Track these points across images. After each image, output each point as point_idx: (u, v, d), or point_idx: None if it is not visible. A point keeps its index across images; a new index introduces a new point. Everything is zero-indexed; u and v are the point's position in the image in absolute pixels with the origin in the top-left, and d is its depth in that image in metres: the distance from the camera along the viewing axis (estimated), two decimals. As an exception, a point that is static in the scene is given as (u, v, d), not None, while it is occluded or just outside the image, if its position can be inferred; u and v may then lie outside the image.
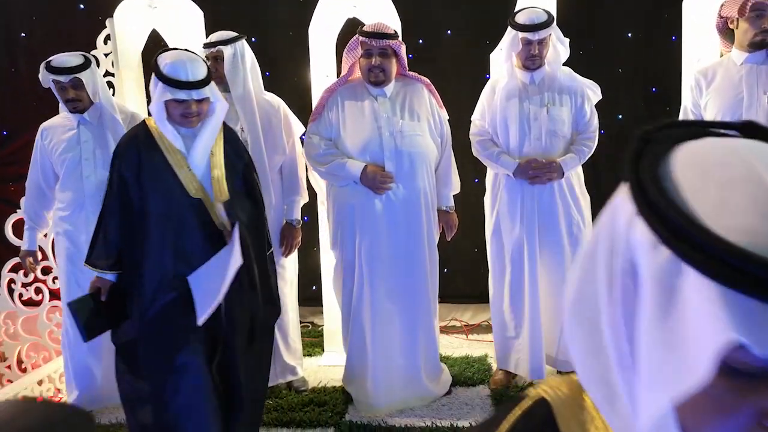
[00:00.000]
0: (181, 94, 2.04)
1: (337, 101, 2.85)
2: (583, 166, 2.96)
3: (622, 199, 0.48)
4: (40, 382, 3.08)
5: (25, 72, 4.02)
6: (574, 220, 2.91)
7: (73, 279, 2.84)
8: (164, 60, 2.08)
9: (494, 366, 3.23)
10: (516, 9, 3.02)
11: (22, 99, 3.95)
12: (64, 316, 2.90)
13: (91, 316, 2.13)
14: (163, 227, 2.09)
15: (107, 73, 3.38)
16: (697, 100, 2.82)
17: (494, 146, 2.95)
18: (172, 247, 2.09)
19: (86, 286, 2.85)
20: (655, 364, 0.42)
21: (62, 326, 2.93)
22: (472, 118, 3.07)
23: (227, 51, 2.84)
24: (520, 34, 2.81)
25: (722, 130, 0.50)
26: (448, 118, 2.97)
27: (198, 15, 3.37)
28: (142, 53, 3.53)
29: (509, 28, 2.87)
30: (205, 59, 2.49)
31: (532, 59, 2.85)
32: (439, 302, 3.05)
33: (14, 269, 3.18)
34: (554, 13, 3.04)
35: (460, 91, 3.40)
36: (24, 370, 3.17)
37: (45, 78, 2.81)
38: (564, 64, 2.96)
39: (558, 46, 2.88)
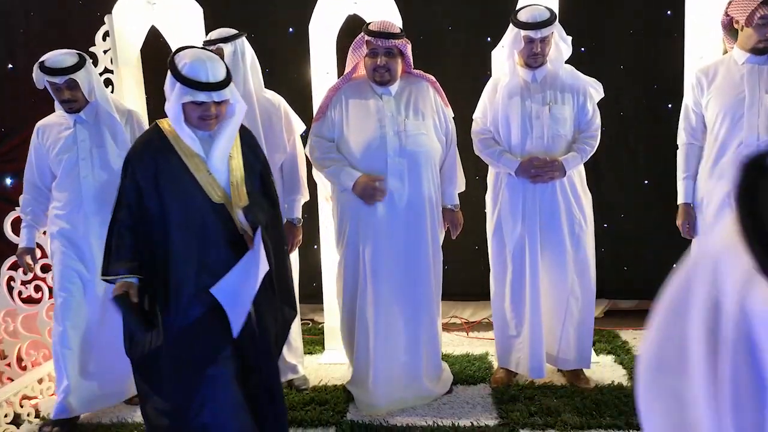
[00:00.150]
0: (202, 96, 1.93)
1: (341, 99, 2.83)
2: (584, 164, 2.95)
3: (725, 243, 0.34)
4: (40, 380, 3.08)
5: (22, 69, 4.00)
6: (575, 219, 2.90)
7: (66, 279, 2.81)
8: (182, 59, 1.96)
9: (495, 364, 3.23)
10: (518, 6, 3.00)
11: (20, 96, 3.93)
12: (55, 311, 2.84)
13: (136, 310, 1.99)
14: (185, 235, 1.99)
15: (106, 70, 3.36)
16: (698, 98, 2.81)
17: (496, 145, 2.94)
18: (196, 257, 1.99)
19: (79, 285, 2.81)
20: None
21: (53, 322, 2.87)
22: (474, 117, 3.05)
23: (227, 49, 2.82)
24: (523, 32, 2.79)
25: None
26: (453, 116, 2.95)
27: (197, 11, 3.35)
28: (141, 50, 3.51)
29: (511, 26, 2.85)
30: None
31: (534, 57, 2.84)
32: (440, 300, 3.05)
33: (13, 267, 3.17)
34: (556, 10, 3.03)
35: (461, 88, 3.38)
36: (24, 368, 3.17)
37: (39, 79, 2.75)
38: (566, 62, 2.95)
39: (560, 44, 2.87)
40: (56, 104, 2.85)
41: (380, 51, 2.73)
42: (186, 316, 1.99)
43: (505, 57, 2.93)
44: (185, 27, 3.33)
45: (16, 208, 3.03)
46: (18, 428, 2.85)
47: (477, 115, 3.04)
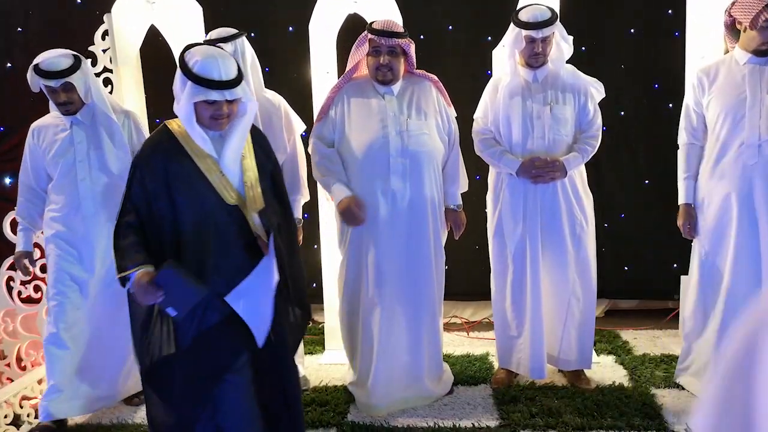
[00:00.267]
0: (214, 95, 1.87)
1: (342, 99, 2.82)
2: (585, 164, 2.94)
3: None
4: (40, 381, 3.06)
5: (21, 68, 3.95)
6: (576, 219, 2.90)
7: (60, 283, 2.77)
8: (193, 57, 1.88)
9: (496, 364, 3.22)
10: (519, 6, 2.99)
11: (19, 95, 3.90)
12: (49, 314, 2.81)
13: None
14: (197, 239, 1.91)
15: (105, 69, 3.35)
16: (699, 98, 2.80)
17: (497, 145, 2.93)
18: (209, 260, 1.92)
19: (75, 288, 2.76)
20: None
21: (46, 325, 2.82)
22: (475, 116, 3.04)
23: (227, 48, 2.79)
24: (524, 32, 2.78)
25: None
26: (456, 115, 2.95)
27: (197, 10, 3.34)
28: (141, 49, 3.50)
29: (512, 25, 2.84)
30: None
31: (535, 57, 2.83)
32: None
33: (13, 267, 3.15)
34: (557, 9, 3.02)
35: (461, 88, 3.37)
36: (23, 368, 3.16)
37: (34, 82, 2.69)
38: (566, 62, 2.94)
39: (561, 44, 2.86)
40: (51, 104, 2.81)
41: (383, 49, 2.72)
42: (200, 323, 1.93)
43: (506, 57, 2.92)
44: (185, 26, 3.31)
45: (16, 207, 3.02)
46: (18, 429, 2.84)
47: (478, 115, 3.03)
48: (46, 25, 4.02)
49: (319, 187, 3.29)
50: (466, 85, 3.44)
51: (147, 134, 2.96)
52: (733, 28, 2.75)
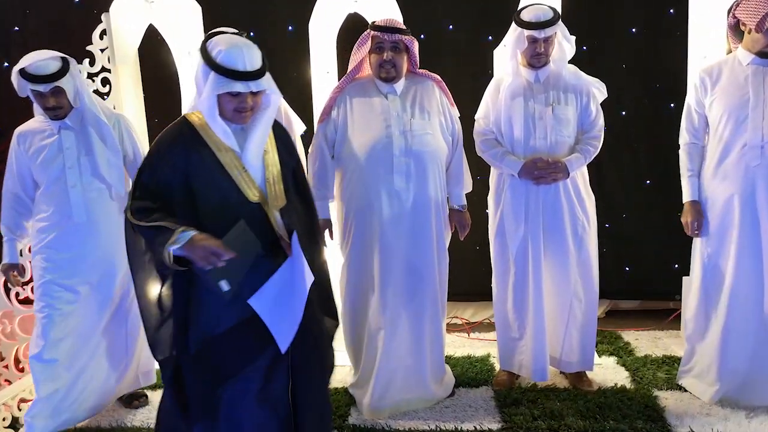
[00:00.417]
0: (239, 86, 1.78)
1: (345, 99, 2.80)
2: (587, 165, 2.93)
3: None
4: (38, 383, 3.04)
5: (19, 67, 3.95)
6: (579, 220, 2.88)
7: (48, 296, 2.67)
8: (217, 46, 1.80)
9: (497, 366, 3.21)
10: (520, 5, 2.97)
11: (15, 96, 3.87)
12: (37, 327, 2.71)
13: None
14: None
15: (103, 69, 3.32)
16: (701, 99, 2.79)
17: (498, 145, 2.92)
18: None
19: (65, 299, 2.64)
20: None
21: (33, 338, 2.71)
22: (476, 117, 3.03)
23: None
24: (526, 32, 2.76)
25: None
26: (459, 115, 2.93)
27: (196, 10, 3.32)
28: (139, 49, 3.47)
29: (514, 25, 2.82)
30: None
31: (537, 57, 2.81)
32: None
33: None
34: (559, 9, 3.00)
35: (461, 88, 3.34)
36: (21, 370, 3.14)
37: (22, 87, 2.56)
38: (568, 62, 2.92)
39: (564, 44, 2.84)
40: (36, 108, 2.71)
41: (386, 46, 2.70)
42: (216, 324, 1.87)
43: (507, 57, 2.90)
44: (184, 25, 3.29)
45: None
46: (16, 432, 2.82)
47: (479, 115, 3.02)
48: (42, 24, 3.99)
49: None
50: (466, 85, 3.42)
51: (138, 139, 2.91)
52: (736, 29, 2.74)
